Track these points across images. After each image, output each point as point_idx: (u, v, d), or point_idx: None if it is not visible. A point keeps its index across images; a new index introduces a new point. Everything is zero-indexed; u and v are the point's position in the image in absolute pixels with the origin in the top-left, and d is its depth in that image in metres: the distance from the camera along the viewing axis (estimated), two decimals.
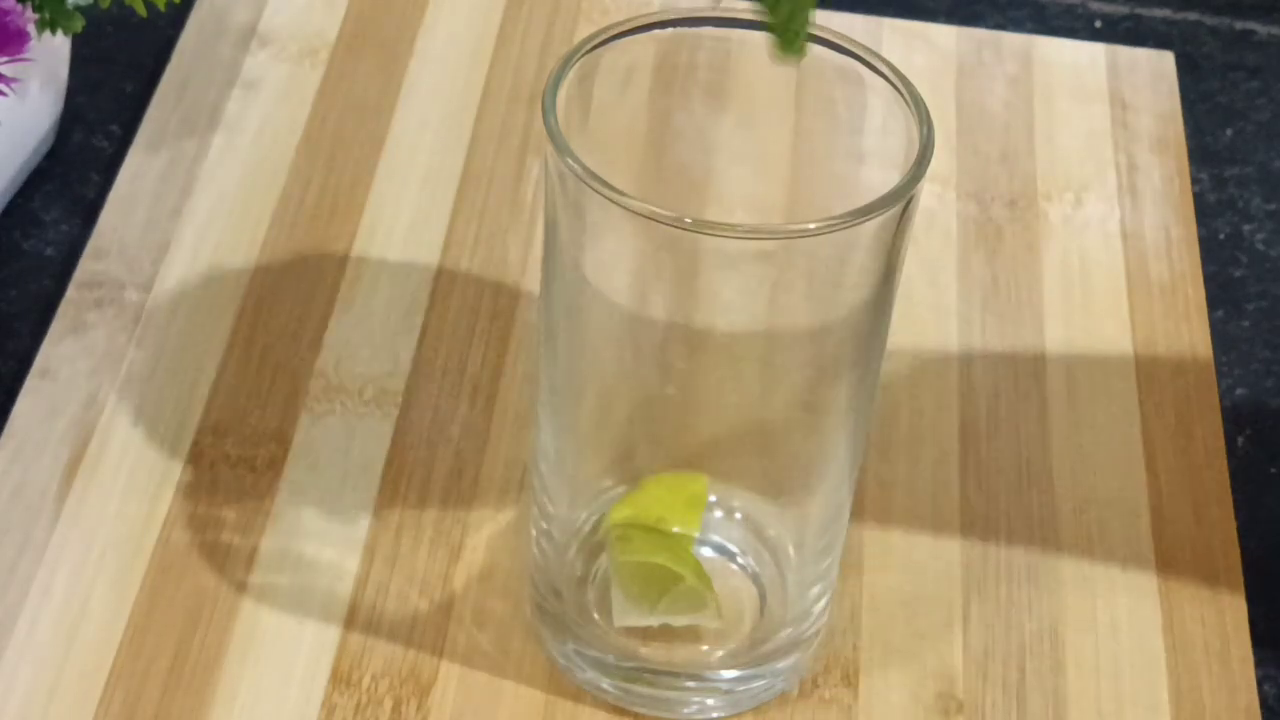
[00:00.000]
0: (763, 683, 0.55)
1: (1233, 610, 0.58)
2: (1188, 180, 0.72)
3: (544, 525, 0.54)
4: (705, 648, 0.54)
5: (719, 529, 0.56)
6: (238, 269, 0.66)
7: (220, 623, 0.56)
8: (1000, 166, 0.71)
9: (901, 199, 0.47)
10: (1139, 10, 0.80)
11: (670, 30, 0.51)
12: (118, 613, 0.56)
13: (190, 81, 0.72)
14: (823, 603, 0.55)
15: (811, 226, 0.47)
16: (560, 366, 0.51)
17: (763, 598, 0.55)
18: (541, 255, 0.51)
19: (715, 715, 0.55)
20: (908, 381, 0.64)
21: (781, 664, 0.55)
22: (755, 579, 0.56)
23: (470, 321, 0.64)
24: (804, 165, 0.52)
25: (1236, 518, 0.61)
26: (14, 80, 0.59)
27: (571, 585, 0.55)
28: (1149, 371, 0.65)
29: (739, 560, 0.56)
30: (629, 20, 0.50)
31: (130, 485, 0.59)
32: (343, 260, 0.66)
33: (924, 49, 0.76)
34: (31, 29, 0.59)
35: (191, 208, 0.67)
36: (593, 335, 0.51)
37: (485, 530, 0.59)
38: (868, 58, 0.50)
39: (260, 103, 0.72)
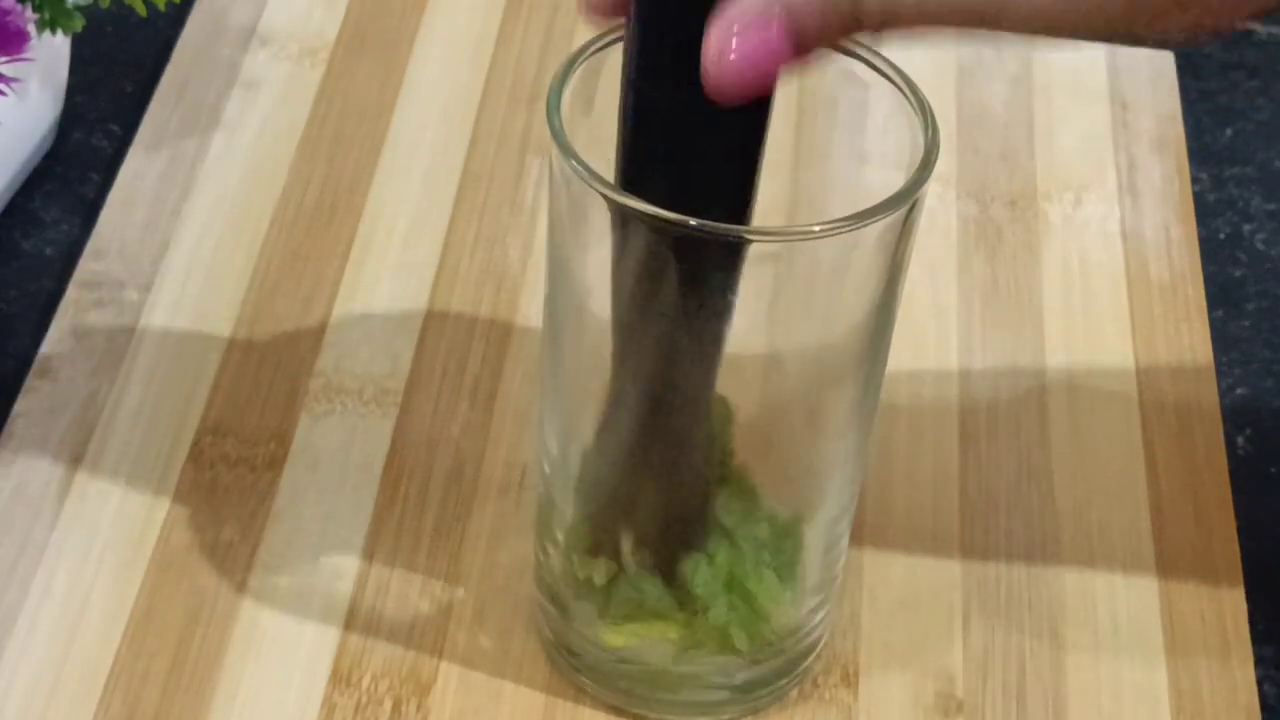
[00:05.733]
0: (763, 684, 0.55)
1: (1233, 610, 0.58)
2: (1188, 180, 0.72)
3: (545, 525, 0.54)
4: (706, 648, 0.54)
5: None
6: (238, 269, 0.66)
7: (220, 623, 0.56)
8: (1000, 166, 0.71)
9: (906, 202, 0.47)
10: None
11: None
12: (118, 613, 0.56)
13: (190, 81, 0.72)
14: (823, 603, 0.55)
15: (815, 229, 0.46)
16: (563, 366, 0.51)
17: None
18: (543, 255, 0.51)
19: (716, 716, 0.55)
20: (908, 381, 0.64)
21: (782, 665, 0.55)
22: None
23: (470, 321, 0.64)
24: (807, 167, 0.52)
25: (1236, 518, 0.61)
26: (14, 80, 0.59)
27: (572, 585, 0.55)
28: (1149, 371, 0.65)
29: None
30: None
31: (130, 485, 0.59)
32: (343, 260, 0.66)
33: (924, 49, 0.75)
34: (31, 29, 0.59)
35: (191, 208, 0.67)
36: (596, 335, 0.50)
37: (485, 530, 0.59)
38: (871, 59, 0.50)
39: (260, 103, 0.71)
